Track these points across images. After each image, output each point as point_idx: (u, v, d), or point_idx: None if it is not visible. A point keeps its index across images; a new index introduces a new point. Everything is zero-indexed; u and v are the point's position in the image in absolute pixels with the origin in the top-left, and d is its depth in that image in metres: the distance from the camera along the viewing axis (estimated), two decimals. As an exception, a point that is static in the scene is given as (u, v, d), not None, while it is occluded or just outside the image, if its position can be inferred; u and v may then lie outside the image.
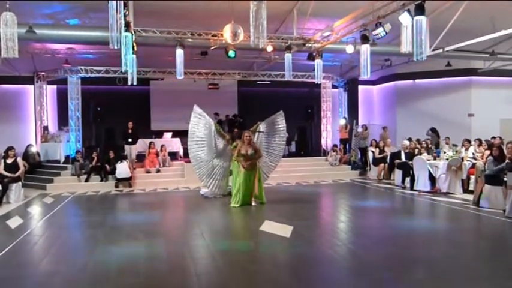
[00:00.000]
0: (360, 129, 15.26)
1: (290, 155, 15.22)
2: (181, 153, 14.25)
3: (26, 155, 12.93)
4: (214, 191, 9.73)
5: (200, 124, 9.68)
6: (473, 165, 9.49)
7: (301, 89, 17.04)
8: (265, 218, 7.15)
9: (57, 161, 13.47)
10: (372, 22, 8.98)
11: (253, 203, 8.54)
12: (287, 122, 9.81)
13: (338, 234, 6.42)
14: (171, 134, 14.67)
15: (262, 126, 9.63)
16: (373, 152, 13.36)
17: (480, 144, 10.90)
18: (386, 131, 15.25)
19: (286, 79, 12.01)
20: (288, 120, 9.80)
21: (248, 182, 8.52)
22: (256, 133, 9.47)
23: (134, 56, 9.55)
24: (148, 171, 12.50)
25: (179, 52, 10.61)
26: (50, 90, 15.42)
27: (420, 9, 7.36)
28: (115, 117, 14.48)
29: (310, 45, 11.46)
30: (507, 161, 7.48)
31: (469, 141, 11.24)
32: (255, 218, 7.53)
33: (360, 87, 17.68)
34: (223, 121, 15.73)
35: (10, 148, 10.06)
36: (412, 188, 10.44)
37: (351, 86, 17.08)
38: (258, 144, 9.23)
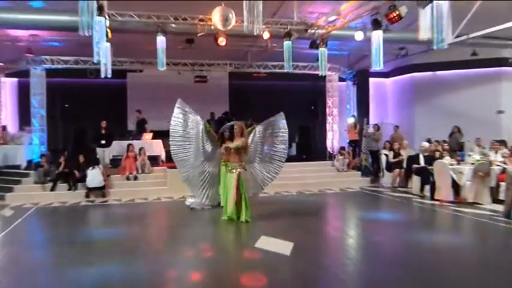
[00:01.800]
0: (371, 129, 15.29)
1: (290, 159, 15.19)
2: (163, 157, 14.21)
3: (-19, 160, 12.87)
4: (203, 201, 9.71)
5: (186, 122, 9.54)
6: (504, 171, 9.54)
7: (303, 83, 17.08)
8: (262, 233, 7.14)
9: (18, 167, 13.39)
10: (385, 4, 9.02)
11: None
12: (287, 121, 9.71)
13: (346, 252, 6.43)
14: (151, 135, 14.62)
15: (258, 129, 9.54)
16: (386, 155, 13.40)
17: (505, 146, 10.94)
18: (397, 131, 15.28)
19: (285, 71, 12.01)
20: (288, 118, 9.68)
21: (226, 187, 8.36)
22: (252, 133, 9.40)
23: (108, 44, 9.53)
24: (128, 178, 12.46)
25: (161, 40, 10.60)
26: (10, 83, 15.39)
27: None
28: (86, 116, 14.46)
29: (313, 31, 11.50)
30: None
31: (500, 142, 11.24)
32: (250, 233, 7.51)
33: (372, 80, 17.75)
34: (210, 120, 15.73)
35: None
36: (432, 198, 10.47)
37: (361, 79, 17.14)
38: (251, 148, 9.18)
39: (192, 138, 9.51)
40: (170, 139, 9.49)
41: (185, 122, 9.49)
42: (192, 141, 9.51)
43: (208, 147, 9.57)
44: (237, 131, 8.40)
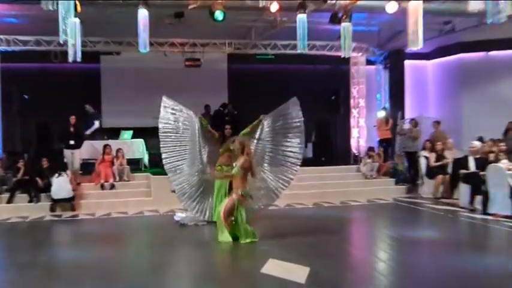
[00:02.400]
0: (407, 125, 15.27)
1: (306, 162, 15.16)
2: (146, 161, 14.24)
3: None
4: (197, 215, 9.71)
5: (177, 122, 9.56)
6: None
7: (321, 66, 17.06)
8: (270, 256, 7.14)
9: (-34, 174, 13.49)
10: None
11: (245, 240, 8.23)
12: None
13: (376, 279, 6.41)
14: (131, 133, 14.64)
15: (267, 123, 9.51)
16: (427, 158, 13.36)
17: None
18: (439, 128, 15.18)
19: (298, 52, 12.01)
20: (302, 112, 9.64)
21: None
22: (259, 128, 9.40)
23: (77, 20, 9.56)
24: (102, 187, 12.49)
25: (143, 14, 10.62)
26: (-45, 70, 15.46)
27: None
28: (50, 109, 14.49)
29: (333, 1, 11.48)
30: None
31: None
32: (255, 256, 7.52)
33: (408, 63, 17.71)
34: (205, 115, 15.71)
35: None
36: (484, 211, 10.42)
37: (395, 62, 17.11)
38: (259, 147, 9.18)
39: (187, 140, 9.55)
40: (161, 145, 9.56)
41: (176, 123, 9.55)
42: (188, 145, 9.54)
43: (205, 152, 9.59)
44: (238, 148, 8.30)
